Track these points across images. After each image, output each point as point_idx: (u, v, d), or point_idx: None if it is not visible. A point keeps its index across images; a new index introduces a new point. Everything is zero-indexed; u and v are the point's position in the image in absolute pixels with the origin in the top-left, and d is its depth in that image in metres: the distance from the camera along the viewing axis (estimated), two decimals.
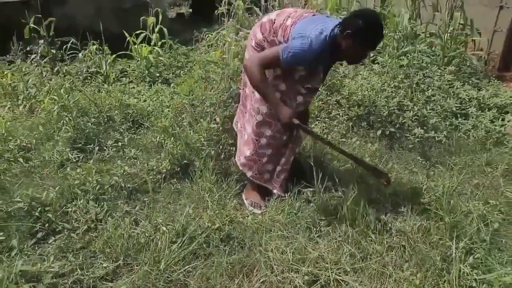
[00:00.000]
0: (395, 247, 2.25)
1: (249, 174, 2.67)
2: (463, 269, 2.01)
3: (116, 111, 3.85)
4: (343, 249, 2.19)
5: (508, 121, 3.68)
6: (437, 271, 2.05)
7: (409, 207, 2.49)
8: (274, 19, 2.36)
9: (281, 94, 2.41)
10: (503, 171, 3.04)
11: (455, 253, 2.07)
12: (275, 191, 2.66)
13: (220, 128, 2.99)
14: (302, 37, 2.15)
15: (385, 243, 2.26)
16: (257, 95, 2.42)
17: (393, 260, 2.17)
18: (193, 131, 3.16)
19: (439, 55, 4.49)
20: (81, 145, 3.25)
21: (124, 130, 3.59)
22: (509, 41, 5.45)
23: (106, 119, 3.73)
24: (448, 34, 4.39)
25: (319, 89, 2.60)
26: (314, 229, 2.38)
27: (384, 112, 3.48)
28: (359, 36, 2.12)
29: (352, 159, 2.58)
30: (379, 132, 3.40)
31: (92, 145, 3.24)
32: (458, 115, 3.75)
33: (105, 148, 3.26)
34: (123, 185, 2.73)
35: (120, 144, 3.34)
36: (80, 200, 2.50)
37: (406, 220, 2.40)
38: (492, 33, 5.42)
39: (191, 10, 11.97)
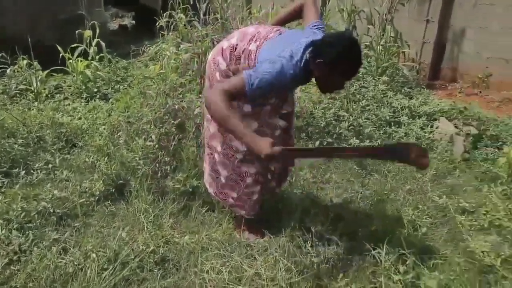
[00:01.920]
0: (331, 258, 2.28)
1: (242, 212, 2.42)
2: (392, 276, 2.07)
3: (47, 131, 3.65)
4: (279, 264, 2.18)
5: (436, 128, 3.89)
6: (369, 280, 2.10)
7: (345, 216, 2.55)
8: (236, 45, 2.08)
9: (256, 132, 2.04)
10: (432, 176, 3.21)
11: (385, 260, 2.13)
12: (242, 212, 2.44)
13: (156, 145, 2.92)
14: (270, 62, 1.88)
15: (322, 255, 2.28)
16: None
17: (329, 272, 2.19)
18: (128, 149, 3.07)
19: (373, 65, 4.68)
20: (5, 169, 3.04)
21: (55, 151, 3.41)
22: (436, 52, 5.81)
23: (36, 140, 3.52)
24: (381, 46, 4.59)
25: None
26: (252, 245, 2.37)
27: (321, 123, 3.57)
28: (335, 66, 1.86)
29: (370, 154, 2.36)
30: (317, 142, 3.47)
31: (18, 168, 3.04)
32: (392, 123, 3.92)
33: (33, 171, 3.07)
34: (51, 210, 2.57)
35: (50, 166, 3.16)
36: (2, 231, 2.33)
37: (341, 229, 2.45)
38: (421, 44, 5.76)
39: (134, 22, 11.73)
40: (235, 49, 2.08)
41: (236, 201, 2.37)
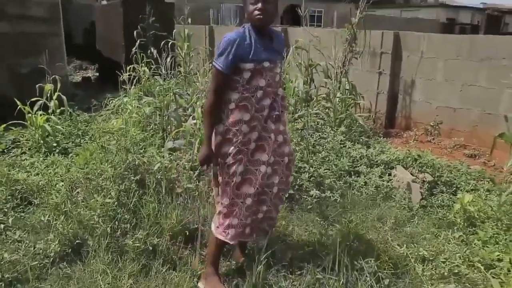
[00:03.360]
0: None
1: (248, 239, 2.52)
2: None
3: (1, 188, 3.51)
4: None
5: (393, 176, 4.04)
6: None
7: (306, 269, 2.54)
8: None
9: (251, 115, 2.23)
10: (392, 224, 3.29)
11: None
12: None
13: (116, 202, 2.86)
14: (221, 41, 2.20)
15: None
16: (228, 160, 2.25)
17: None
18: (87, 207, 2.98)
19: (331, 117, 4.87)
20: None
21: (9, 209, 3.26)
22: (389, 102, 6.16)
23: None
24: (337, 98, 4.81)
25: (277, 65, 2.33)
26: None
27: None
28: None
29: None
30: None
31: None
32: (352, 173, 4.04)
33: None
34: (0, 276, 2.43)
35: (2, 226, 3.01)
36: None
37: (301, 283, 2.43)
38: (375, 95, 6.09)
39: (98, 74, 11.75)
40: None
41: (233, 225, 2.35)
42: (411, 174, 4.06)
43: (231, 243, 2.38)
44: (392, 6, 26.58)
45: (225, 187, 2.31)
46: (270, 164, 2.32)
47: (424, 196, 3.80)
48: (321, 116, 4.82)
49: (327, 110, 5.06)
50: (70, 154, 4.56)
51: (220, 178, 2.35)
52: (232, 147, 2.25)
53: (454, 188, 3.95)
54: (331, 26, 15.58)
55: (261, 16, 2.15)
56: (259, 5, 2.15)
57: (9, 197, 3.44)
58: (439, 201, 3.73)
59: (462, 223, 3.25)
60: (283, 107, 2.41)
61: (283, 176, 2.44)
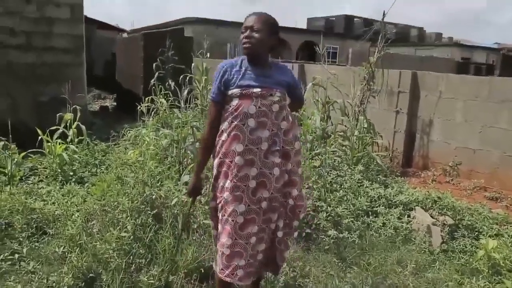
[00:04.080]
0: None
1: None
2: None
3: (17, 216, 3.51)
4: None
5: (412, 218, 3.94)
6: None
7: None
8: None
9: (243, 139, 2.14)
10: (412, 269, 3.17)
11: None
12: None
13: (132, 237, 2.83)
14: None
15: None
16: (226, 196, 2.16)
17: None
18: (102, 239, 2.95)
19: (349, 155, 4.83)
20: None
21: (24, 239, 3.24)
22: (407, 141, 6.10)
23: (4, 226, 3.36)
24: (355, 136, 4.78)
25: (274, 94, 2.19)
26: None
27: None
28: None
29: None
30: (295, 233, 3.42)
31: None
32: (370, 213, 3.95)
33: None
34: None
35: (17, 256, 2.99)
36: None
37: None
38: (393, 133, 6.05)
39: (115, 103, 11.99)
40: None
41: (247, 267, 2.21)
42: (431, 216, 3.96)
43: (244, 283, 2.26)
44: (406, 44, 26.91)
45: (225, 225, 2.17)
46: (270, 200, 2.22)
47: (445, 240, 3.68)
48: (338, 154, 4.78)
49: (344, 147, 5.03)
50: (86, 184, 4.57)
51: (219, 215, 2.23)
52: (228, 181, 2.16)
53: (476, 233, 3.82)
54: (346, 62, 15.77)
55: (248, 45, 2.16)
56: (246, 33, 2.18)
57: (25, 225, 3.43)
58: (461, 245, 3.60)
59: (487, 271, 3.12)
60: (285, 143, 2.23)
61: (287, 218, 2.34)
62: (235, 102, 2.15)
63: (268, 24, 2.20)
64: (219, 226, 2.24)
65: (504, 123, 5.18)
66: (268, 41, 2.20)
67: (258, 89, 2.15)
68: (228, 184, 2.16)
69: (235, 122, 2.14)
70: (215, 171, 2.25)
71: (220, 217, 2.23)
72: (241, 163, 2.14)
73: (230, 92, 2.17)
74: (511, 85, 5.18)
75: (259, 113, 2.14)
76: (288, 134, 2.25)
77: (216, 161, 2.23)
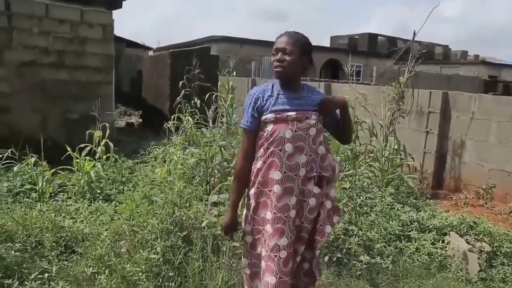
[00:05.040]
0: None
1: None
2: None
3: (47, 234, 3.53)
4: None
5: (447, 243, 3.78)
6: None
7: None
8: None
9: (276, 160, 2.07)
10: None
11: None
12: None
13: (161, 259, 2.79)
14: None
15: None
16: (268, 229, 2.08)
17: None
18: (131, 260, 2.92)
19: (378, 176, 4.72)
20: None
21: (53, 257, 3.25)
22: (437, 162, 5.93)
23: (34, 244, 3.38)
24: (385, 157, 4.68)
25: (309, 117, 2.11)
26: None
27: (330, 237, 3.46)
28: None
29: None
30: (326, 258, 3.34)
31: (12, 278, 2.86)
32: (402, 238, 3.82)
33: (27, 282, 2.88)
34: None
35: (46, 275, 2.98)
36: None
37: None
38: (422, 154, 5.90)
39: (141, 120, 12.16)
40: None
41: None
42: (467, 242, 3.79)
43: None
44: (431, 62, 26.57)
45: (268, 262, 2.06)
46: (298, 229, 2.13)
47: (482, 268, 3.51)
48: (367, 175, 4.67)
49: (373, 168, 4.92)
50: (113, 201, 4.59)
51: (258, 248, 2.13)
52: (268, 212, 2.06)
53: None
54: (370, 80, 15.66)
55: (279, 69, 2.07)
56: (278, 56, 2.09)
57: (54, 244, 3.44)
58: (501, 274, 3.43)
59: None
60: (322, 168, 2.14)
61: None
62: (270, 127, 2.07)
63: (301, 44, 2.10)
64: (262, 263, 2.10)
65: None
66: (301, 63, 2.11)
67: (293, 113, 2.07)
68: (268, 215, 2.06)
69: (271, 148, 2.06)
70: (253, 202, 2.13)
71: (263, 252, 2.10)
72: (280, 192, 2.05)
73: (264, 117, 2.09)
74: None
75: (296, 137, 2.06)
76: (325, 159, 2.18)
77: (253, 191, 2.13)
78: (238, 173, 2.19)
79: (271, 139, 2.06)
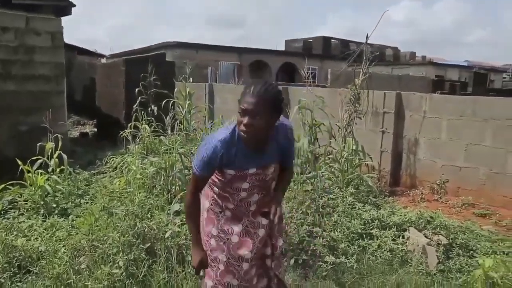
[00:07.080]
0: None
1: None
2: None
3: None
4: None
5: (407, 239, 3.91)
6: None
7: None
8: None
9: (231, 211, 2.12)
10: None
11: None
12: None
13: (124, 273, 2.69)
14: (203, 143, 2.03)
15: None
16: (212, 243, 2.13)
17: None
18: (91, 277, 2.80)
19: (338, 177, 4.81)
20: None
21: (6, 280, 3.05)
22: (394, 160, 6.13)
23: None
24: (344, 158, 4.78)
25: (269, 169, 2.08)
26: None
27: (295, 240, 3.48)
28: None
29: None
30: (292, 260, 3.35)
31: None
32: (364, 236, 3.90)
33: None
34: None
35: None
36: None
37: None
38: (380, 153, 6.08)
39: (96, 129, 11.75)
40: None
41: None
42: (425, 236, 3.94)
43: None
44: (383, 64, 27.57)
45: (209, 270, 2.16)
46: (252, 260, 2.16)
47: (441, 260, 3.65)
48: (328, 177, 4.75)
49: (333, 169, 5.01)
50: (70, 216, 4.39)
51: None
52: (214, 228, 2.13)
53: (471, 251, 3.81)
54: (325, 82, 15.99)
55: (247, 134, 1.88)
56: (245, 120, 1.86)
57: (6, 265, 3.23)
58: (457, 265, 3.58)
59: None
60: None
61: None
62: (228, 176, 2.02)
63: (270, 105, 1.89)
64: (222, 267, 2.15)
65: (489, 140, 5.27)
66: (270, 123, 1.93)
67: (254, 169, 2.02)
68: (213, 231, 2.13)
69: (226, 194, 2.09)
70: (205, 214, 2.17)
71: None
72: (229, 216, 2.12)
73: (225, 169, 2.01)
74: (494, 104, 5.31)
75: (252, 187, 2.07)
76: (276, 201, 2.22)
77: (207, 205, 2.16)
78: (190, 209, 2.12)
79: (228, 189, 2.07)
